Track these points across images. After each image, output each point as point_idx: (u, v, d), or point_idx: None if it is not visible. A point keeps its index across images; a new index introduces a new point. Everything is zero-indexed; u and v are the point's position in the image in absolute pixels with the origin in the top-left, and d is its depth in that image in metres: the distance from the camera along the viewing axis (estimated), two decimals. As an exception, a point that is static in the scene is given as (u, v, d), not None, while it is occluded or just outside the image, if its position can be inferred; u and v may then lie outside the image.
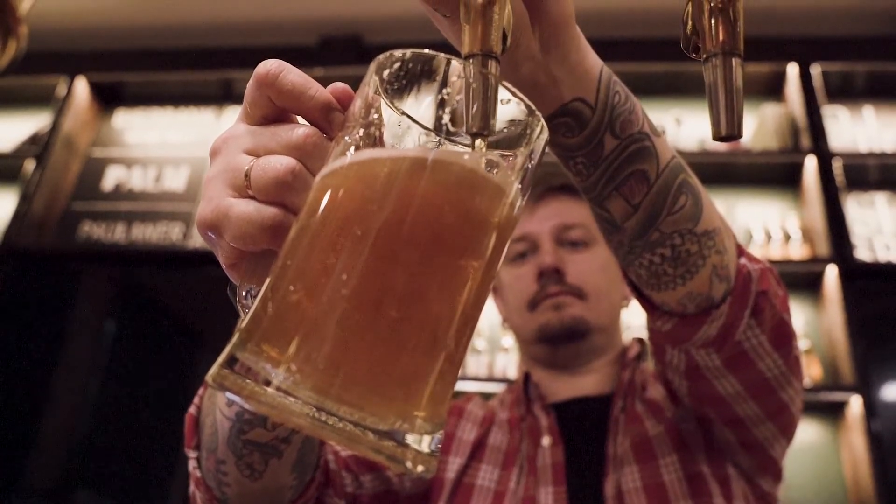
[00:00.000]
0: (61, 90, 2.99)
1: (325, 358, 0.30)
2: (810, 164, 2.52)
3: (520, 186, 0.36)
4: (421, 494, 0.92)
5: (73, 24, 3.08)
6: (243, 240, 0.38)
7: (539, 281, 1.01)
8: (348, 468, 0.84)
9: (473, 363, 2.35)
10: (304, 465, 0.67)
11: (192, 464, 0.65)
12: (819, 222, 2.42)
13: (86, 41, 3.16)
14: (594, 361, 1.02)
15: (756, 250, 2.45)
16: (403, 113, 0.35)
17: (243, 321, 0.34)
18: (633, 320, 2.24)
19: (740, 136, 0.35)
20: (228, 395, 0.31)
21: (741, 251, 0.66)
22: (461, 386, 2.18)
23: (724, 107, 0.35)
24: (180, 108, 3.11)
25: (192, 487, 0.66)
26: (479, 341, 2.41)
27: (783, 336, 0.71)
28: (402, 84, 0.36)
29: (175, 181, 2.92)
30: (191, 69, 3.06)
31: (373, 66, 0.36)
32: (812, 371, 2.22)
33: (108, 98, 3.15)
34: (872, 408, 2.12)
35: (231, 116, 3.02)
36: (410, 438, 0.31)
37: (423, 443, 0.31)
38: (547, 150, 0.40)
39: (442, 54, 0.36)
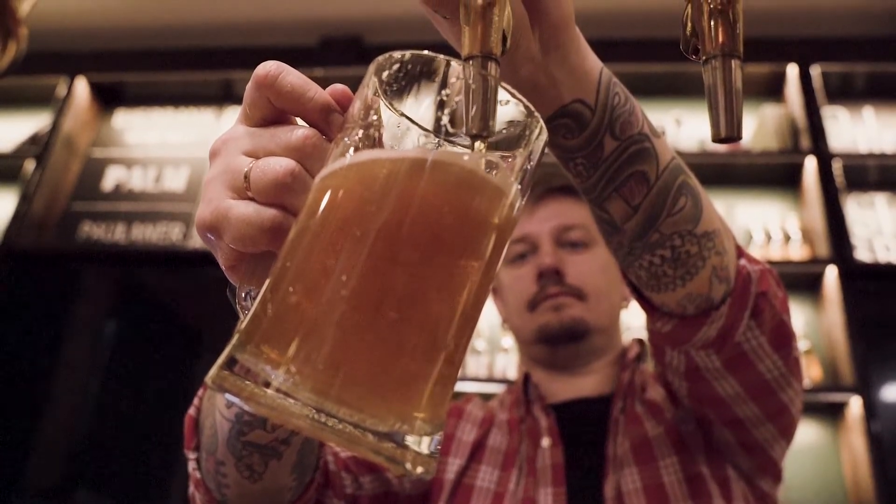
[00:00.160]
0: (61, 90, 2.99)
1: (325, 359, 0.30)
2: (810, 164, 2.52)
3: (519, 187, 0.36)
4: (420, 495, 0.92)
5: (73, 25, 3.08)
6: (243, 241, 0.38)
7: (539, 282, 1.01)
8: (348, 469, 0.84)
9: (473, 364, 2.35)
10: (303, 467, 0.67)
11: (191, 465, 0.65)
12: (819, 223, 2.42)
13: (86, 41, 3.16)
14: (594, 362, 1.02)
15: (756, 251, 2.45)
16: (403, 114, 0.35)
17: (242, 322, 0.34)
18: (633, 321, 2.24)
19: (740, 138, 0.35)
20: (228, 396, 0.31)
21: (741, 252, 0.66)
22: (461, 386, 2.18)
23: (724, 108, 0.35)
24: (180, 109, 3.11)
25: (191, 488, 0.66)
26: (478, 342, 2.41)
27: (783, 337, 0.71)
28: (401, 85, 0.36)
29: (175, 181, 2.92)
30: (191, 69, 3.06)
31: (372, 68, 0.36)
32: (812, 372, 2.22)
33: (109, 98, 3.15)
34: (872, 409, 2.12)
35: (231, 117, 3.02)
36: (410, 440, 0.31)
37: (423, 444, 0.31)
38: (547, 151, 0.40)
39: (441, 56, 0.36)
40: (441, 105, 0.37)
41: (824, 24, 2.82)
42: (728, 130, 0.35)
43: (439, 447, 0.33)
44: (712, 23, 0.37)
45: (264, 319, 0.32)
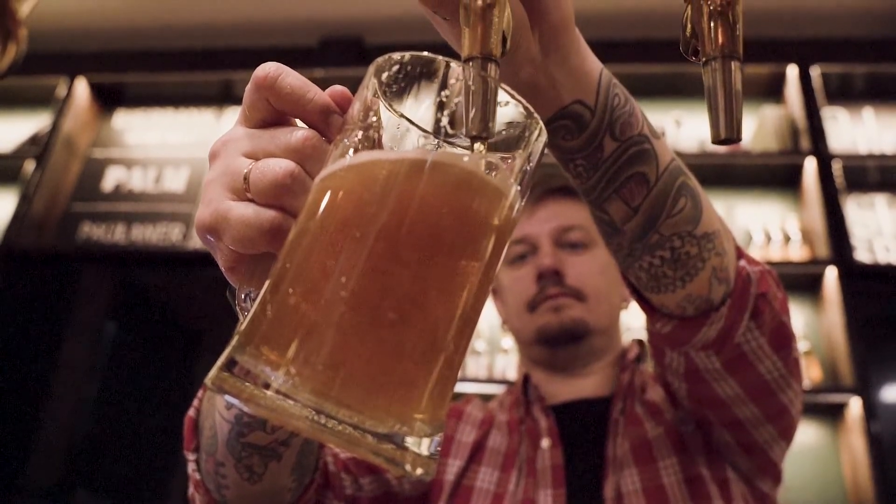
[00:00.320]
0: (61, 91, 2.99)
1: (325, 361, 0.30)
2: (810, 165, 2.52)
3: (519, 188, 0.36)
4: (420, 496, 0.92)
5: (73, 25, 3.08)
6: (242, 243, 0.38)
7: (538, 283, 1.01)
8: (347, 470, 0.84)
9: (473, 364, 2.35)
10: (303, 468, 0.67)
11: (191, 466, 0.65)
12: (819, 224, 2.42)
13: (86, 42, 3.16)
14: (593, 363, 1.02)
15: (756, 252, 2.45)
16: (402, 115, 0.35)
17: (242, 324, 0.34)
18: (633, 322, 2.24)
19: (739, 140, 0.35)
20: (227, 398, 0.31)
21: (740, 253, 0.66)
22: (460, 387, 2.18)
23: (724, 110, 0.35)
24: (180, 109, 3.11)
25: (191, 489, 0.66)
26: (478, 342, 2.41)
27: (783, 338, 0.71)
28: (400, 87, 0.36)
29: (175, 182, 2.92)
30: (191, 70, 3.06)
31: (371, 69, 0.36)
32: (812, 373, 2.22)
33: (109, 99, 3.15)
34: (872, 409, 2.12)
35: (231, 117, 3.02)
36: (410, 441, 0.31)
37: (423, 445, 0.31)
38: (546, 152, 0.40)
39: (441, 57, 0.36)
40: (441, 106, 0.37)
41: (824, 24, 2.82)
42: (728, 132, 0.35)
43: (439, 448, 0.33)
44: (712, 24, 0.36)
45: (264, 321, 0.32)
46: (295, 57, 3.02)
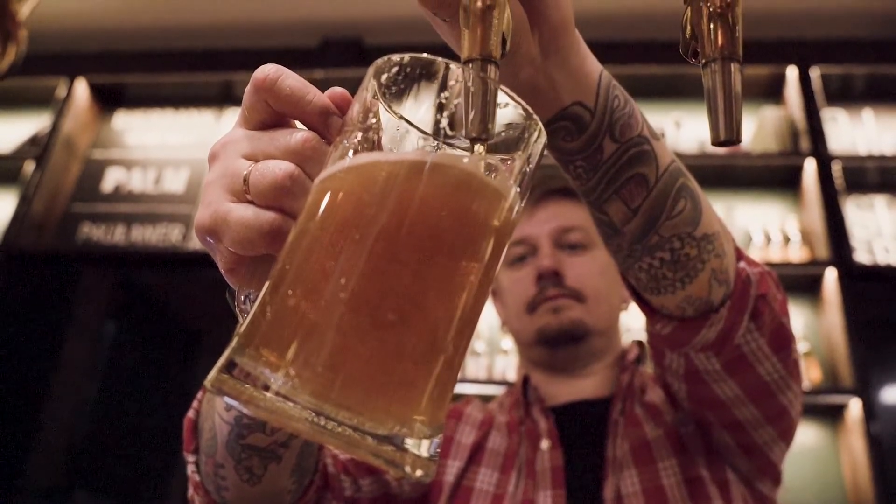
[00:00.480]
0: (61, 91, 2.99)
1: (324, 362, 0.30)
2: (810, 166, 2.52)
3: (518, 190, 0.36)
4: (420, 498, 0.92)
5: (73, 26, 3.08)
6: (242, 245, 0.38)
7: (538, 284, 1.00)
8: (347, 472, 0.84)
9: (473, 365, 2.35)
10: (302, 470, 0.67)
11: (190, 468, 0.65)
12: (818, 225, 2.42)
13: (86, 43, 3.16)
14: (593, 364, 1.02)
15: (755, 253, 2.45)
16: (401, 117, 0.35)
17: (242, 326, 0.34)
18: (633, 323, 2.24)
19: (739, 142, 0.35)
20: (227, 399, 0.31)
21: (740, 255, 0.66)
22: (460, 388, 2.18)
23: (723, 112, 0.35)
24: (180, 110, 3.11)
25: (190, 491, 0.66)
26: (478, 343, 2.41)
27: (782, 339, 0.71)
28: (400, 88, 0.36)
29: (175, 183, 2.92)
30: (191, 71, 3.06)
31: (371, 71, 0.36)
32: (811, 374, 2.22)
33: (108, 99, 3.15)
34: (872, 411, 2.12)
35: (231, 118, 3.02)
36: (409, 443, 0.31)
37: (423, 447, 0.31)
38: (546, 153, 0.40)
39: (440, 58, 0.36)
40: (440, 108, 0.37)
41: (824, 26, 2.82)
42: (727, 134, 0.35)
43: (438, 450, 0.33)
44: (712, 26, 0.36)
45: (263, 322, 0.32)
46: (295, 58, 3.02)
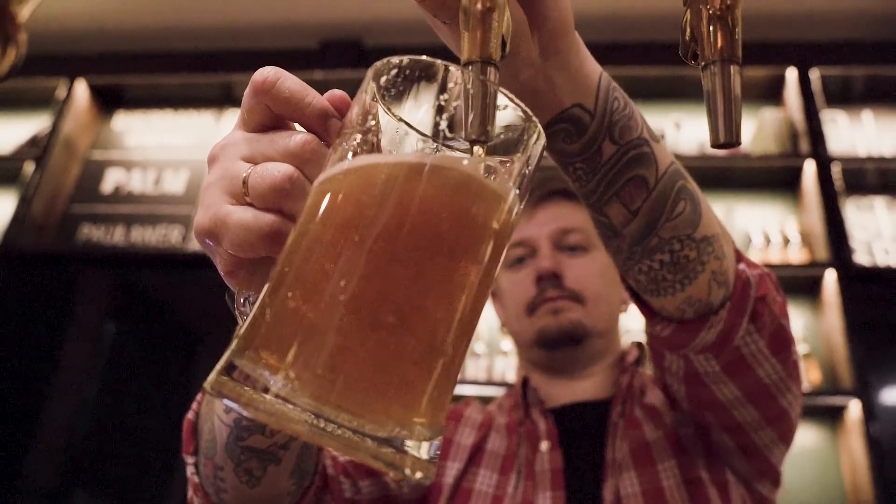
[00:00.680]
0: (61, 92, 2.99)
1: (324, 364, 0.30)
2: (809, 168, 2.52)
3: (517, 192, 0.36)
4: (419, 499, 0.92)
5: (73, 27, 3.08)
6: (241, 247, 0.38)
7: (537, 285, 1.00)
8: (346, 473, 0.84)
9: (472, 367, 2.35)
10: (302, 471, 0.66)
11: (189, 469, 0.65)
12: (818, 227, 2.42)
13: (86, 44, 3.16)
14: (593, 366, 1.02)
15: (755, 254, 2.45)
16: (401, 119, 0.35)
17: (241, 328, 0.34)
18: (632, 324, 2.24)
19: (739, 144, 0.35)
20: (227, 402, 0.31)
21: (740, 257, 0.66)
22: (460, 389, 2.18)
23: (723, 114, 0.35)
24: (180, 111, 3.11)
25: (190, 493, 0.66)
26: (478, 345, 2.41)
27: (782, 341, 0.71)
28: (399, 90, 0.36)
29: (174, 184, 2.92)
30: (191, 72, 3.07)
31: (370, 73, 0.36)
32: (811, 375, 2.22)
33: (108, 100, 3.15)
34: (871, 412, 2.12)
35: (231, 119, 3.02)
36: (409, 445, 0.31)
37: (422, 449, 0.31)
38: (546, 155, 0.40)
39: (440, 61, 0.36)
40: (439, 110, 0.37)
41: (823, 27, 2.83)
42: (727, 136, 0.35)
43: (438, 452, 0.33)
44: (711, 28, 0.36)
45: (263, 325, 0.32)
46: (294, 59, 3.02)
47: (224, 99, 3.08)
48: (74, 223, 2.88)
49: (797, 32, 2.83)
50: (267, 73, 0.39)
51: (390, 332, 0.31)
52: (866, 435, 2.08)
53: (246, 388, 0.31)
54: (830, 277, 2.33)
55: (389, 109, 0.36)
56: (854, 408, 2.14)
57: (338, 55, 3.00)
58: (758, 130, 2.69)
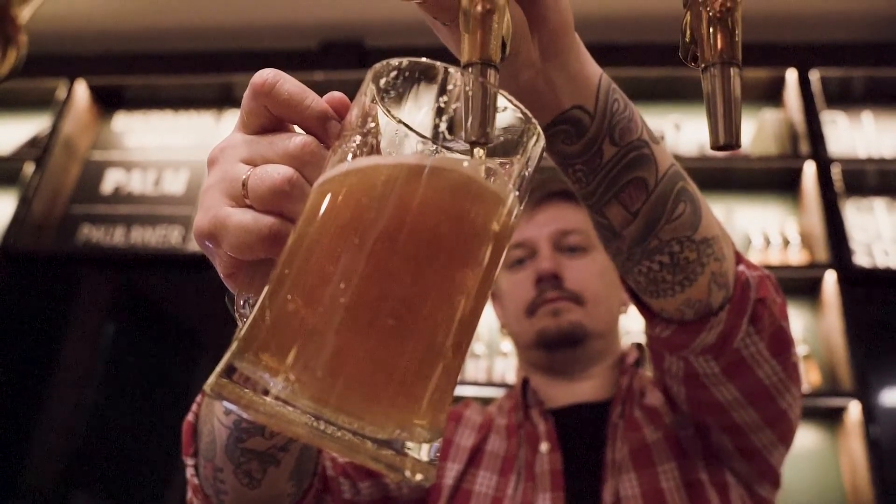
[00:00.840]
0: (61, 93, 2.99)
1: (324, 367, 0.30)
2: (809, 169, 2.52)
3: (517, 194, 0.36)
4: (418, 500, 0.92)
5: (73, 28, 3.08)
6: (241, 249, 0.38)
7: (537, 286, 1.01)
8: (346, 475, 0.84)
9: (472, 368, 2.35)
10: (301, 473, 0.66)
11: (189, 471, 0.65)
12: (818, 228, 2.42)
13: (86, 44, 3.17)
14: (592, 367, 1.02)
15: (755, 256, 2.45)
16: (400, 121, 0.35)
17: (241, 330, 0.34)
18: (632, 325, 2.24)
19: (739, 146, 0.35)
20: (226, 404, 0.31)
21: (740, 258, 0.66)
22: (459, 391, 2.18)
23: (723, 116, 0.35)
24: (180, 112, 3.11)
25: (189, 494, 0.66)
26: (477, 346, 2.41)
27: (782, 343, 0.71)
28: (399, 92, 0.36)
29: (174, 185, 2.92)
30: (191, 73, 3.07)
31: (369, 75, 0.36)
32: (811, 377, 2.22)
33: (108, 101, 3.15)
34: (871, 413, 2.12)
35: (231, 120, 3.02)
36: (409, 447, 0.31)
37: (422, 451, 0.31)
38: (546, 156, 0.40)
39: (439, 63, 0.36)
40: (439, 112, 0.37)
41: (823, 29, 2.83)
42: (727, 138, 0.35)
43: (438, 454, 0.33)
44: (711, 30, 0.36)
45: (263, 327, 0.32)
46: (295, 60, 3.02)
47: (224, 100, 3.08)
48: (74, 224, 2.88)
49: (797, 34, 2.83)
50: (266, 75, 0.39)
51: (390, 334, 0.31)
52: (866, 436, 2.08)
53: (246, 390, 0.31)
54: (830, 279, 2.33)
55: (389, 111, 0.36)
56: (854, 409, 2.14)
57: (338, 56, 3.00)
58: (758, 131, 2.69)
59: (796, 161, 2.55)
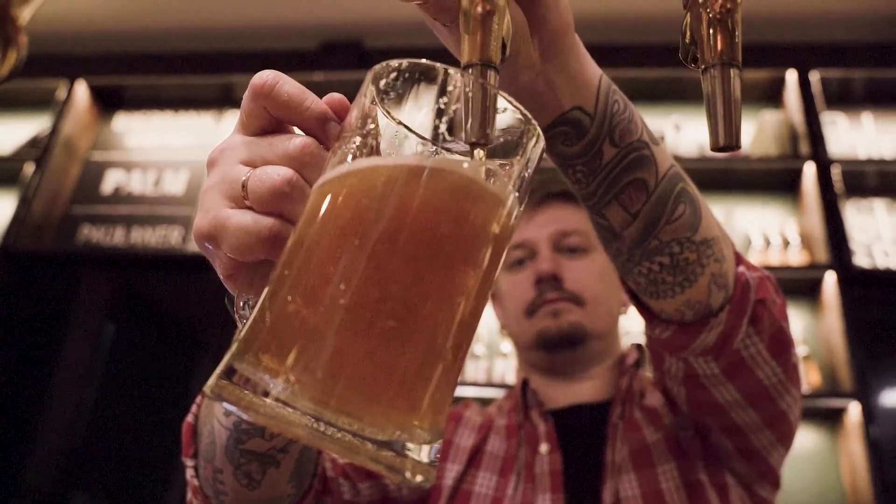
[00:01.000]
0: (61, 93, 2.99)
1: (324, 368, 0.30)
2: (809, 170, 2.52)
3: (517, 195, 0.36)
4: (418, 501, 0.92)
5: (73, 28, 3.08)
6: (241, 250, 0.38)
7: (537, 287, 1.01)
8: (346, 476, 0.84)
9: (472, 368, 2.35)
10: (301, 474, 0.66)
11: (189, 472, 0.65)
12: (818, 229, 2.42)
13: (86, 44, 3.17)
14: (592, 368, 1.02)
15: (755, 257, 2.45)
16: (400, 122, 0.35)
17: (241, 331, 0.34)
18: (632, 326, 2.24)
19: (739, 147, 0.35)
20: (226, 405, 0.31)
21: (739, 259, 0.66)
22: (459, 391, 2.18)
23: (723, 117, 0.35)
24: (180, 112, 3.11)
25: (189, 495, 0.66)
26: (477, 346, 2.41)
27: (781, 344, 0.71)
28: (398, 94, 0.36)
29: (174, 185, 2.92)
30: (191, 73, 3.07)
31: (369, 76, 0.36)
32: (811, 378, 2.22)
33: (108, 101, 3.15)
34: (871, 414, 2.12)
35: (231, 120, 3.02)
36: (410, 448, 0.31)
37: (423, 452, 0.31)
38: (546, 157, 0.40)
39: (439, 64, 0.36)
40: (439, 113, 0.37)
41: (823, 29, 2.83)
42: (727, 139, 0.35)
43: (438, 455, 0.33)
44: (711, 32, 0.36)
45: (263, 328, 0.32)
46: (295, 60, 3.02)
47: (224, 100, 3.08)
48: (74, 224, 2.88)
49: (797, 34, 2.83)
50: (266, 76, 0.39)
51: (390, 336, 0.31)
52: (866, 437, 2.07)
53: (246, 391, 0.31)
54: (830, 279, 2.33)
55: (389, 113, 0.36)
56: (854, 410, 2.14)
57: (338, 56, 3.00)
58: (758, 132, 2.69)
59: (796, 162, 2.55)
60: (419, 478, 0.31)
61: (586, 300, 1.00)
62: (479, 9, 0.38)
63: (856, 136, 2.69)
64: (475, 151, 0.35)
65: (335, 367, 0.30)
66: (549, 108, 0.49)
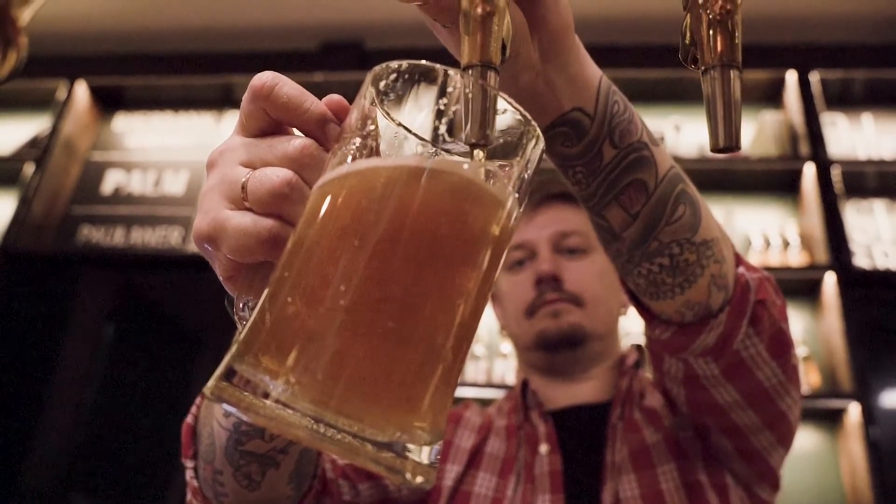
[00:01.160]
0: (61, 94, 2.99)
1: (324, 369, 0.30)
2: (809, 171, 2.52)
3: (517, 196, 0.36)
4: (418, 502, 0.92)
5: (73, 28, 3.08)
6: (240, 252, 0.38)
7: (537, 288, 1.01)
8: (345, 477, 0.84)
9: (472, 369, 2.35)
10: (301, 476, 0.66)
11: (189, 473, 0.65)
12: (818, 229, 2.42)
13: (86, 45, 3.17)
14: (592, 369, 1.02)
15: (755, 257, 2.45)
16: (399, 124, 0.35)
17: (241, 333, 0.34)
18: (632, 327, 2.24)
19: (738, 148, 0.35)
20: (226, 407, 0.31)
21: (739, 260, 0.66)
22: (459, 392, 2.18)
23: (723, 118, 0.35)
24: (180, 113, 3.11)
25: (189, 496, 0.66)
26: (477, 347, 2.41)
27: (781, 345, 0.71)
28: (398, 95, 0.36)
29: (174, 185, 2.92)
30: (191, 73, 3.07)
31: (369, 78, 0.36)
32: (810, 378, 2.22)
33: (108, 102, 3.15)
34: (871, 415, 2.12)
35: (231, 121, 3.02)
36: (410, 449, 0.31)
37: (423, 454, 0.31)
38: (546, 158, 0.40)
39: (438, 65, 0.36)
40: (439, 114, 0.37)
41: (823, 30, 2.83)
42: (727, 140, 0.35)
43: (439, 457, 0.33)
44: (711, 33, 0.36)
45: (263, 330, 0.32)
46: (295, 61, 3.02)
47: (224, 100, 3.08)
48: (74, 224, 2.88)
49: (797, 35, 2.83)
50: (265, 78, 0.39)
51: (390, 337, 0.31)
52: (866, 438, 2.07)
53: (246, 393, 0.31)
54: (830, 280, 2.33)
55: (388, 114, 0.36)
56: (853, 411, 2.14)
57: (338, 57, 3.00)
58: (758, 133, 2.69)
59: (796, 162, 2.55)
60: (419, 479, 0.31)
61: (586, 301, 1.00)
62: (479, 10, 0.38)
63: (856, 136, 2.69)
64: (475, 152, 0.35)
65: (335, 368, 0.30)
66: (549, 108, 0.49)
